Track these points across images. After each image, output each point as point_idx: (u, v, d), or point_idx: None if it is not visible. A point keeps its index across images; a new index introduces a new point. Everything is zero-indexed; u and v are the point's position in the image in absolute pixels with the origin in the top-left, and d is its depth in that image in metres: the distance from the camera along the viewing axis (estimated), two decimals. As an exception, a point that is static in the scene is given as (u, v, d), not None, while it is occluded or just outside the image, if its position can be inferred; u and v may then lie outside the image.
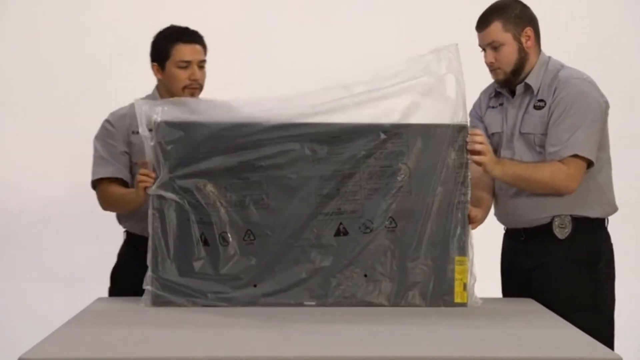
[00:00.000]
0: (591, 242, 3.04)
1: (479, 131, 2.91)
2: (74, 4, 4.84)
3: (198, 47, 3.23)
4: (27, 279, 4.73)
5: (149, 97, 3.23)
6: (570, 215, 3.01)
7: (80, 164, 4.65)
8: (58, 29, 4.81)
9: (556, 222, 3.02)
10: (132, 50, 4.69)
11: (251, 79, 4.87)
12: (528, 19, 3.05)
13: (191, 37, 3.24)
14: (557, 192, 2.96)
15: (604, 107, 3.02)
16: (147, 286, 2.86)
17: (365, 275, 2.86)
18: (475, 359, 2.31)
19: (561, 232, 3.02)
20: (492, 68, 3.06)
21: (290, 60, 4.92)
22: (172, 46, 3.21)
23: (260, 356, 2.32)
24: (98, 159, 3.24)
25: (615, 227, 3.12)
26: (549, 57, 3.10)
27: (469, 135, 2.84)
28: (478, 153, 2.85)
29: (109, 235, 4.55)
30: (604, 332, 2.97)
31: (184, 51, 3.20)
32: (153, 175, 2.89)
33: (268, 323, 2.64)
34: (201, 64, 3.23)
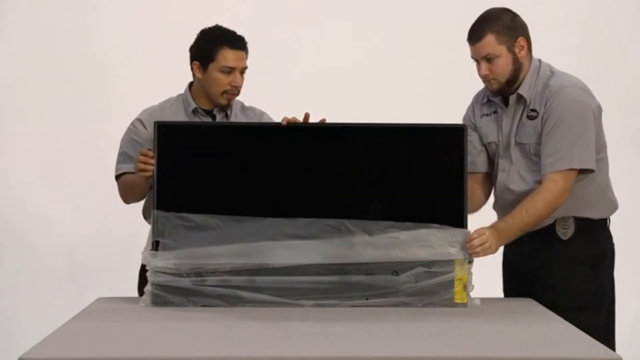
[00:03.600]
0: (594, 242, 3.05)
1: (474, 235, 2.85)
2: (77, 4, 4.84)
3: (243, 53, 3.22)
4: (27, 279, 4.74)
5: (180, 98, 3.27)
6: (573, 217, 3.02)
7: (82, 163, 4.67)
8: (60, 30, 4.82)
9: (559, 224, 3.02)
10: (135, 51, 4.71)
11: (251, 79, 4.88)
12: (520, 28, 3.02)
13: (238, 42, 3.21)
14: (554, 211, 2.96)
15: (597, 113, 3.01)
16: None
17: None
18: (475, 359, 2.31)
19: (564, 233, 3.02)
20: (487, 79, 3.03)
21: (290, 61, 4.93)
22: (218, 50, 3.18)
23: (260, 356, 2.32)
24: (122, 155, 3.24)
25: (615, 226, 3.12)
26: (539, 62, 3.07)
27: (467, 243, 2.84)
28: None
29: (109, 235, 4.57)
30: (606, 331, 2.99)
31: (229, 57, 3.18)
32: (151, 161, 2.89)
33: (268, 323, 2.64)
34: (243, 71, 3.23)
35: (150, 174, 2.90)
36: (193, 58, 3.25)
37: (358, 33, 4.95)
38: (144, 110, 3.29)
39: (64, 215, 4.68)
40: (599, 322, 2.99)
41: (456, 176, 2.88)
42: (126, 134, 3.27)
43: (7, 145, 4.82)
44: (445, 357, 2.32)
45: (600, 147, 3.03)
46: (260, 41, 4.83)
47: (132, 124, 3.27)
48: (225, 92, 3.21)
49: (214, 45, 3.19)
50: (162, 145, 2.89)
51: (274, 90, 4.87)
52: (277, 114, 4.86)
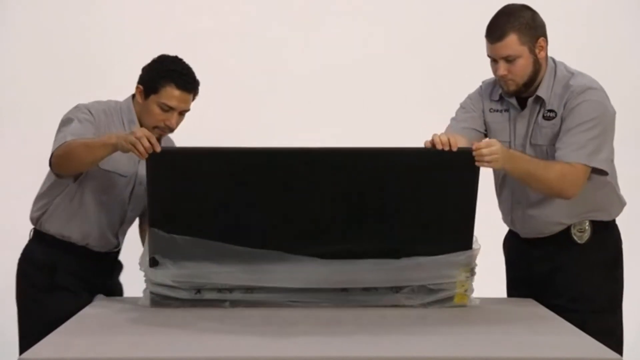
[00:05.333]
0: (609, 244, 3.03)
1: (482, 145, 2.70)
2: (77, 4, 4.84)
3: (189, 96, 3.07)
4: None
5: (120, 111, 3.10)
6: (589, 220, 2.99)
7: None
8: (60, 30, 4.82)
9: (575, 228, 2.99)
10: (135, 52, 4.70)
11: (251, 80, 4.88)
12: (541, 28, 2.93)
13: (187, 84, 3.05)
14: (558, 195, 2.87)
15: (614, 115, 2.96)
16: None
17: None
18: (475, 359, 2.31)
19: (580, 237, 2.99)
20: (504, 80, 2.94)
21: (290, 61, 4.92)
22: (164, 85, 3.03)
23: (260, 356, 2.32)
24: (72, 124, 2.99)
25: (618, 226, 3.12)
26: (554, 62, 3.01)
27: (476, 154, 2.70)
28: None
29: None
30: (618, 332, 2.98)
31: (172, 96, 3.03)
32: (148, 147, 2.69)
33: (268, 323, 2.64)
34: (183, 112, 3.08)
35: (143, 157, 2.71)
36: (139, 80, 3.10)
37: (358, 32, 4.95)
38: (87, 104, 3.09)
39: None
40: (615, 325, 2.97)
41: (466, 201, 2.77)
42: (73, 114, 3.04)
43: (7, 145, 4.81)
44: (445, 357, 2.32)
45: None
46: (260, 40, 4.89)
47: (79, 109, 3.05)
48: (157, 127, 3.06)
49: (161, 78, 3.04)
50: (154, 172, 2.74)
51: (274, 90, 4.88)
52: (277, 114, 4.91)
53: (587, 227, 2.99)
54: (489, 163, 2.69)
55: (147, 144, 2.69)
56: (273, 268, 2.78)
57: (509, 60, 2.90)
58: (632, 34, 4.89)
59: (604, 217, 3.01)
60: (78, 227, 3.09)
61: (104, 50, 4.78)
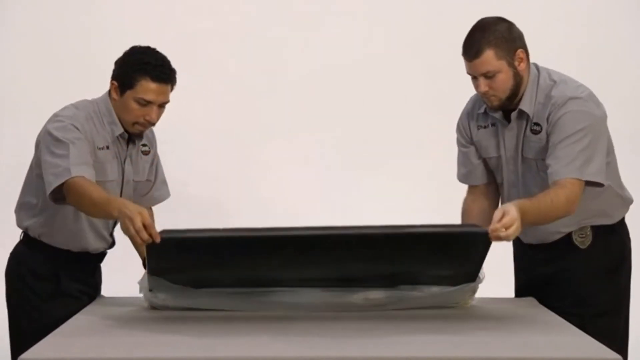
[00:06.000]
0: (613, 247, 2.99)
1: (499, 226, 2.56)
2: (77, 4, 4.84)
3: (166, 87, 2.93)
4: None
5: (98, 110, 2.99)
6: (590, 226, 2.96)
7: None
8: (60, 30, 4.82)
9: (576, 234, 2.96)
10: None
11: (251, 80, 4.88)
12: (518, 39, 2.84)
13: (163, 75, 2.92)
14: (564, 217, 2.79)
15: (604, 119, 2.87)
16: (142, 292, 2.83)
17: None
18: (475, 359, 2.31)
19: (582, 242, 2.95)
20: (486, 96, 2.86)
21: (290, 61, 4.92)
22: (139, 79, 2.91)
23: (260, 356, 2.32)
24: (73, 157, 2.84)
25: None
26: (538, 70, 2.91)
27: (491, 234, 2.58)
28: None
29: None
30: (621, 336, 2.95)
31: (149, 89, 2.91)
32: (151, 236, 2.55)
33: (268, 323, 2.63)
34: (163, 104, 2.96)
35: (142, 246, 2.67)
36: (113, 75, 2.98)
37: (358, 32, 4.95)
38: (69, 117, 2.95)
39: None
40: (619, 326, 2.93)
41: (476, 257, 2.70)
42: (65, 135, 2.88)
43: (6, 146, 4.81)
44: (445, 357, 2.32)
45: (608, 149, 2.91)
46: (260, 40, 4.89)
47: (66, 127, 2.90)
48: (136, 123, 2.96)
49: (135, 72, 2.91)
50: (153, 258, 2.65)
51: (274, 90, 4.88)
52: (277, 114, 4.91)
53: (588, 233, 2.95)
54: (507, 237, 2.59)
55: (145, 236, 2.54)
56: (273, 298, 2.78)
57: (488, 76, 2.82)
58: (633, 34, 4.89)
59: (606, 222, 2.97)
60: (78, 241, 3.06)
61: (104, 50, 4.75)
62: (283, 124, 4.93)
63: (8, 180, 4.72)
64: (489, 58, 2.80)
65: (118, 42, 4.74)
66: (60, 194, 2.85)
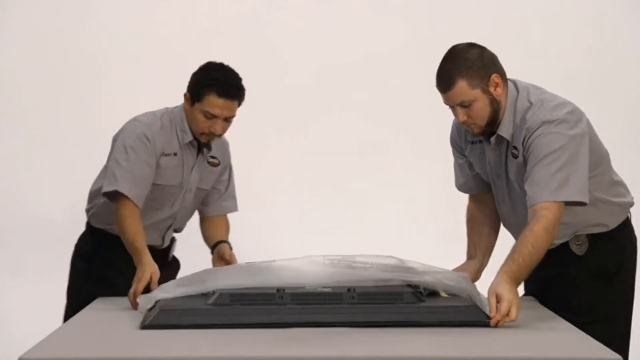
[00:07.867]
0: (609, 254, 2.96)
1: (499, 317, 2.56)
2: (73, 6, 4.85)
3: (233, 103, 3.11)
4: (28, 279, 4.74)
5: (171, 119, 3.18)
6: (586, 234, 2.94)
7: (77, 164, 4.67)
8: (56, 32, 4.82)
9: (572, 241, 2.94)
10: (132, 53, 4.71)
11: (251, 80, 4.88)
12: (491, 64, 2.79)
13: (229, 92, 3.09)
14: (547, 247, 2.73)
15: (582, 136, 2.77)
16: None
17: None
18: (476, 359, 2.31)
19: (578, 249, 2.93)
20: (466, 125, 2.83)
21: (290, 61, 4.93)
22: (206, 94, 3.09)
23: (260, 356, 2.32)
24: (126, 171, 3.09)
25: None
26: (517, 90, 2.85)
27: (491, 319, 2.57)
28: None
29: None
30: (617, 342, 2.87)
31: (215, 104, 3.08)
32: (134, 305, 2.83)
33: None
34: (228, 119, 3.14)
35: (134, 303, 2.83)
36: (187, 87, 3.18)
37: (358, 32, 4.95)
38: (147, 125, 3.16)
39: (64, 215, 4.68)
40: (614, 333, 2.89)
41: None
42: (132, 147, 3.11)
43: (7, 145, 4.82)
44: (445, 357, 2.32)
45: (595, 164, 2.86)
46: (260, 40, 4.89)
47: (139, 137, 3.12)
48: (203, 134, 3.15)
49: (203, 87, 3.10)
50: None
51: (274, 90, 4.88)
52: (277, 114, 4.91)
53: (584, 240, 2.94)
54: (510, 319, 2.58)
55: (134, 304, 2.83)
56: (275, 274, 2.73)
57: (464, 105, 2.78)
58: (638, 34, 4.87)
59: (601, 230, 2.95)
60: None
61: (104, 51, 4.78)
62: (283, 124, 4.93)
63: (7, 180, 4.75)
64: (463, 89, 2.77)
65: (118, 42, 4.79)
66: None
